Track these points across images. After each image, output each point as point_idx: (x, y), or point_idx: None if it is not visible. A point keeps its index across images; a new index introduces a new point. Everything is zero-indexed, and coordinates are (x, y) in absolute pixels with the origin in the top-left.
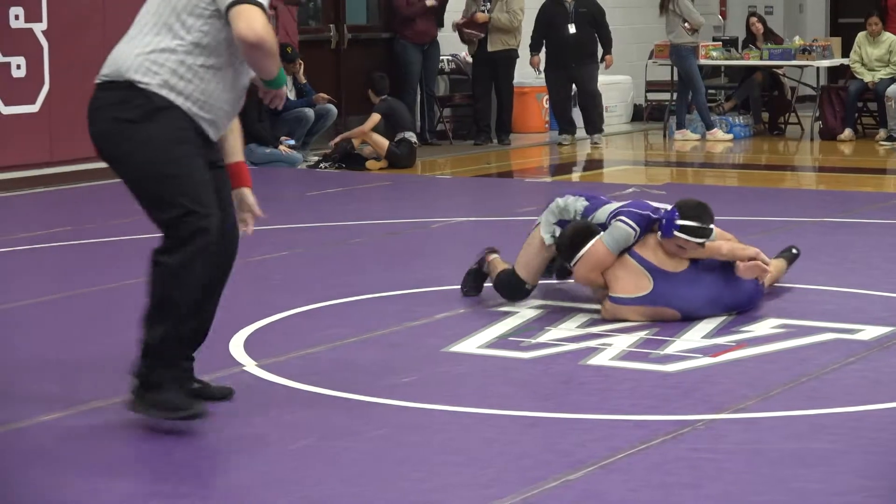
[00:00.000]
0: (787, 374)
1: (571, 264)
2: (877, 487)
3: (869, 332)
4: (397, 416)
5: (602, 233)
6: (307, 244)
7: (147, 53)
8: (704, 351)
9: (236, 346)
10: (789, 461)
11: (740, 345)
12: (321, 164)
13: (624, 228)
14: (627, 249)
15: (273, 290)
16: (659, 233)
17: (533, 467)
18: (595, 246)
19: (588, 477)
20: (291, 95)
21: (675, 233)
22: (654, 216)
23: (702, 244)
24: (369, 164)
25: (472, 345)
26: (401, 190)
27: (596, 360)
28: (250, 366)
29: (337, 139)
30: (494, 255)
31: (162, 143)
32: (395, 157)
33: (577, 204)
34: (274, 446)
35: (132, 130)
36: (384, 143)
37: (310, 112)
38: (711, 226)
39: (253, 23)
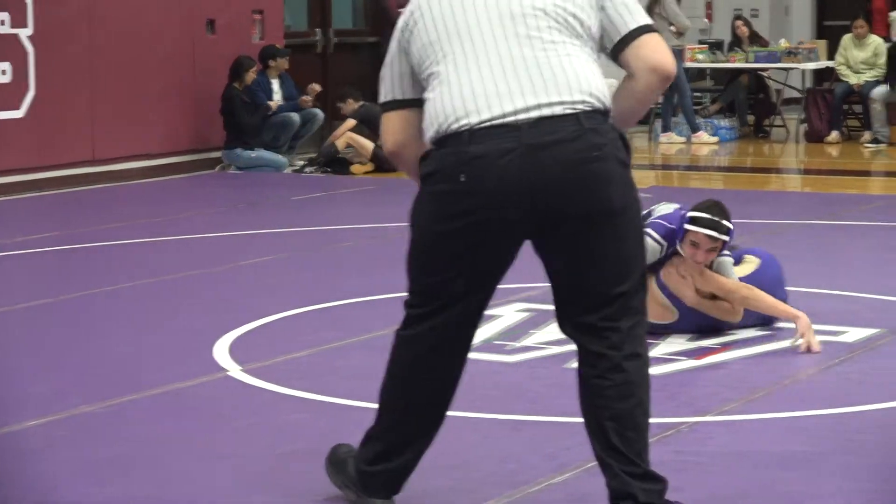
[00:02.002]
0: (771, 377)
1: None
2: (860, 490)
3: (853, 334)
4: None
5: None
6: (292, 248)
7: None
8: (689, 353)
9: (221, 351)
10: (773, 463)
11: (725, 347)
12: (306, 169)
13: (650, 244)
14: (656, 274)
15: (258, 295)
16: (678, 242)
17: (518, 470)
18: None
19: (573, 480)
20: (278, 97)
21: (686, 225)
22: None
23: (713, 238)
24: (354, 168)
25: None
26: (386, 193)
27: None
28: (235, 371)
29: (327, 142)
30: None
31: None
32: (381, 159)
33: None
34: (260, 451)
35: (630, 176)
36: (369, 145)
37: (296, 117)
38: (726, 223)
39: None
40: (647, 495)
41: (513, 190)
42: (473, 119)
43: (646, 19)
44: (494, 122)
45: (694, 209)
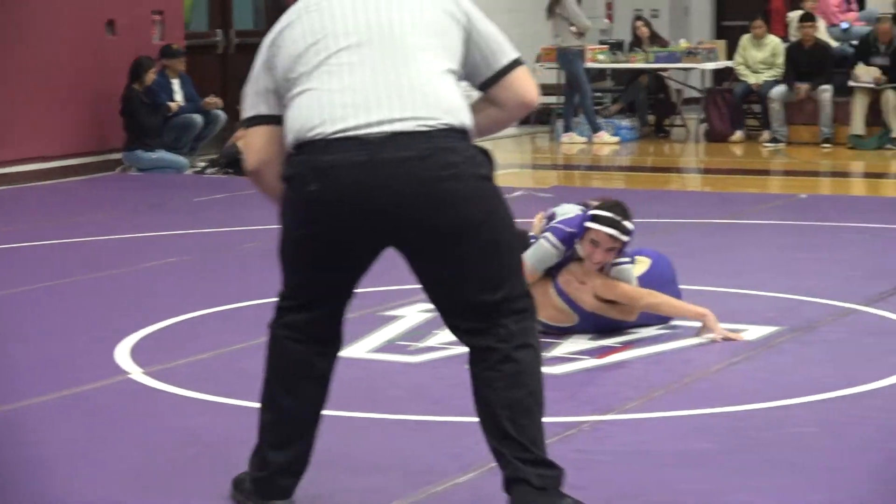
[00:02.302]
0: (671, 375)
1: None
2: (759, 487)
3: (753, 332)
4: None
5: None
6: (195, 250)
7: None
8: (591, 353)
9: (122, 353)
10: (673, 462)
11: (626, 346)
12: (208, 170)
13: (546, 248)
14: (553, 279)
15: (160, 297)
16: (577, 241)
17: (422, 471)
18: None
19: (476, 480)
20: (179, 98)
21: (587, 223)
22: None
23: (614, 237)
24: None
25: (360, 349)
26: None
27: None
28: (137, 374)
29: (228, 143)
30: None
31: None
32: None
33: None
34: (162, 454)
35: (492, 188)
36: None
37: (198, 118)
38: (626, 224)
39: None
40: (542, 480)
41: (363, 204)
42: (328, 128)
43: (514, 52)
44: (348, 134)
45: (596, 207)
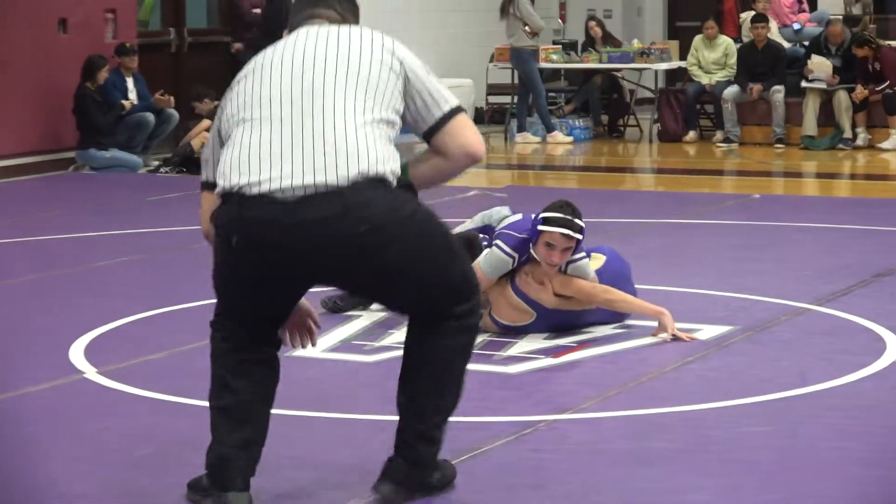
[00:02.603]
0: (627, 374)
1: None
2: (715, 486)
3: (707, 332)
4: None
5: (481, 255)
6: (148, 249)
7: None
8: (546, 352)
9: (76, 353)
10: (629, 461)
11: (581, 345)
12: (162, 169)
13: (499, 256)
14: (510, 280)
15: (113, 297)
16: (531, 246)
17: (378, 471)
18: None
19: None
20: (133, 96)
21: (539, 227)
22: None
23: (567, 236)
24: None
25: (315, 349)
26: None
27: None
28: (91, 373)
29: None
30: None
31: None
32: None
33: (503, 212)
34: (116, 454)
35: (418, 220)
36: None
37: (150, 117)
38: (578, 221)
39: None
40: (421, 454)
41: (284, 261)
42: (244, 185)
43: (454, 101)
44: (263, 192)
45: (546, 210)
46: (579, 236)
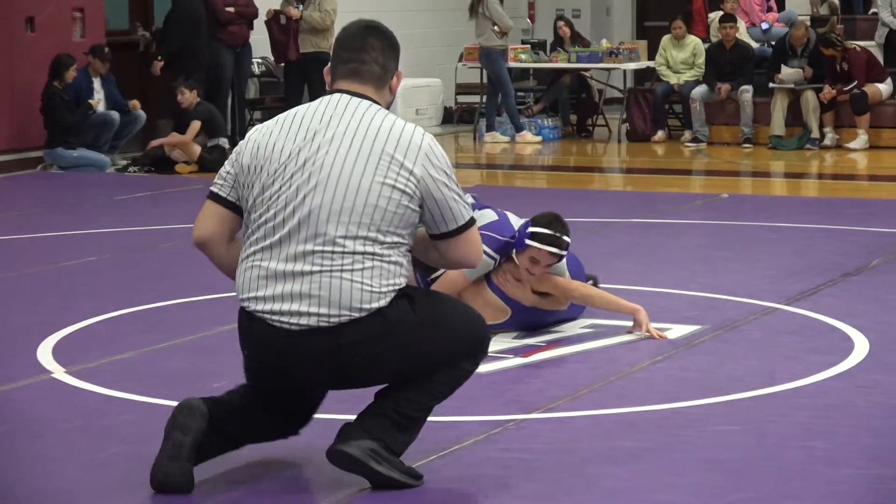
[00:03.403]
0: (596, 374)
1: (428, 279)
2: (685, 484)
3: (676, 331)
4: None
5: None
6: (116, 249)
7: None
8: (516, 351)
9: (44, 352)
10: (599, 460)
11: (551, 345)
12: (130, 168)
13: (483, 260)
14: (487, 278)
15: (81, 296)
16: (514, 251)
17: (341, 472)
18: (451, 273)
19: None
20: (100, 96)
21: (527, 241)
22: (512, 241)
23: (555, 254)
24: (179, 167)
25: None
26: None
27: None
28: (59, 373)
29: (155, 143)
30: None
31: None
32: (207, 162)
33: (483, 214)
34: (85, 454)
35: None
36: (196, 150)
37: (115, 115)
38: (566, 238)
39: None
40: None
41: (286, 377)
42: (252, 305)
43: (467, 215)
44: (271, 319)
45: (535, 223)
46: (564, 253)
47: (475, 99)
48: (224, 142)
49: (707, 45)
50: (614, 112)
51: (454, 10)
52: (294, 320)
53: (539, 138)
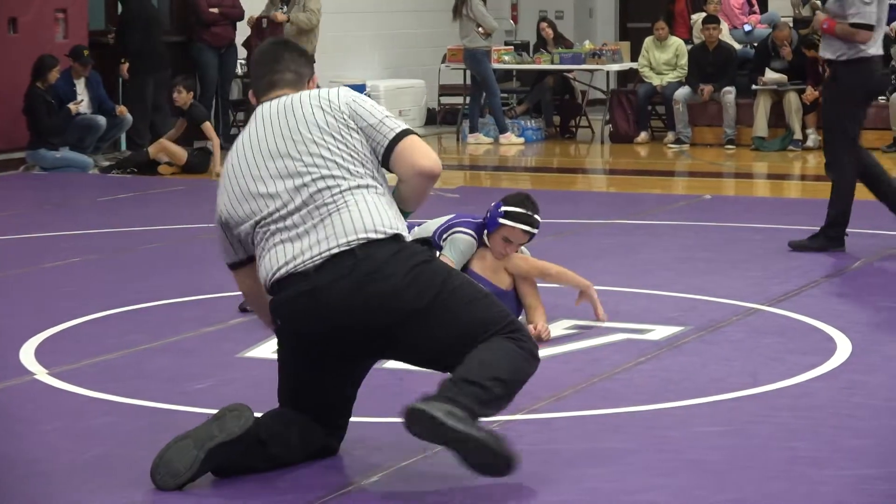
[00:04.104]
0: (579, 375)
1: None
2: (668, 485)
3: (659, 332)
4: (193, 422)
5: (444, 248)
6: (99, 250)
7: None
8: None
9: (27, 354)
10: (583, 461)
11: None
12: (113, 170)
13: (464, 239)
14: (466, 268)
15: (64, 297)
16: (486, 233)
17: (328, 472)
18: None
19: (385, 481)
20: (83, 97)
21: (500, 220)
22: (484, 223)
23: (528, 232)
24: (162, 168)
25: (266, 350)
26: (195, 195)
27: (392, 363)
28: (41, 374)
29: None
30: None
31: None
32: (193, 166)
33: (429, 224)
34: (68, 455)
35: (433, 268)
36: (182, 154)
37: (101, 119)
38: (537, 217)
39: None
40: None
41: (312, 327)
42: (272, 275)
43: (400, 126)
44: (289, 272)
45: (507, 203)
46: (536, 231)
47: (458, 100)
48: (210, 145)
49: (690, 47)
50: (597, 113)
51: (437, 11)
52: (317, 260)
53: (521, 140)
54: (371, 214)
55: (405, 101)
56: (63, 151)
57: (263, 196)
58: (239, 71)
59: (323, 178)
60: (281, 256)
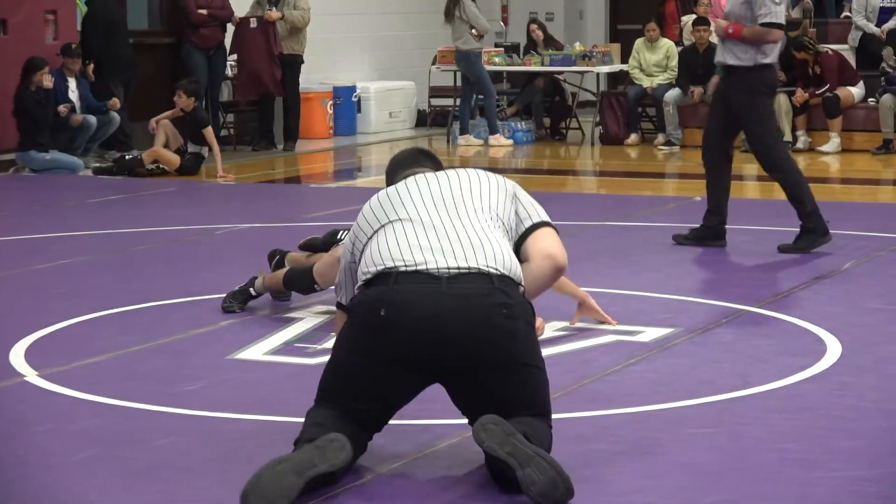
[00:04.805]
0: (570, 377)
1: None
2: (658, 487)
3: (649, 334)
4: (184, 424)
5: None
6: (89, 252)
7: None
8: None
9: (16, 355)
10: (572, 463)
11: None
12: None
13: None
14: None
15: (54, 299)
16: None
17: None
18: None
19: (377, 482)
20: (74, 98)
21: None
22: None
23: None
24: (147, 159)
25: (257, 352)
26: (185, 196)
27: None
28: (31, 376)
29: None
30: (291, 253)
31: None
32: (185, 169)
33: None
34: (57, 457)
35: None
36: (176, 160)
37: (92, 119)
38: None
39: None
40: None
41: (426, 332)
42: (399, 265)
43: (545, 216)
44: (419, 269)
45: None
46: None
47: (449, 102)
48: (204, 149)
49: (680, 49)
50: (587, 115)
51: (428, 13)
52: (452, 270)
53: (510, 142)
54: (510, 256)
55: (395, 103)
56: (53, 153)
57: (412, 205)
58: (229, 72)
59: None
60: (406, 253)
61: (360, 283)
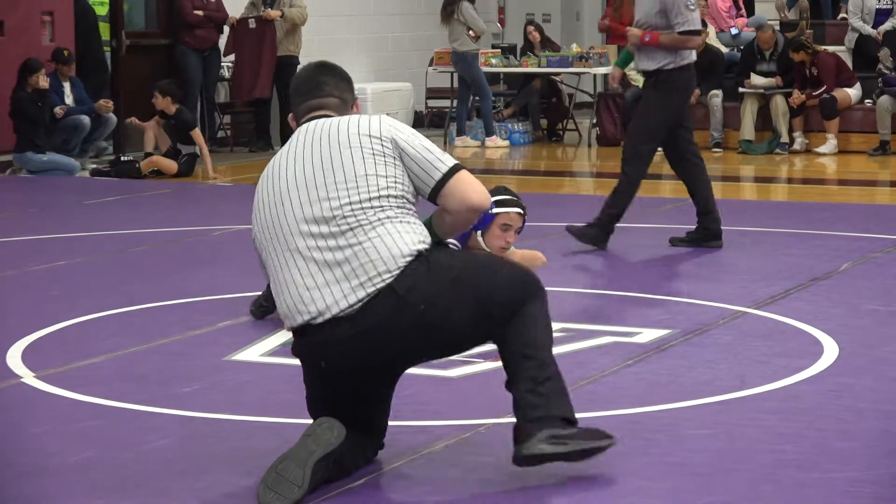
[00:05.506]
0: (567, 378)
1: None
2: (655, 488)
3: (646, 335)
4: (181, 425)
5: None
6: (85, 253)
7: None
8: (486, 356)
9: (13, 357)
10: (568, 463)
11: None
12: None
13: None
14: None
15: (51, 300)
16: (479, 233)
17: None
18: None
19: (372, 483)
20: (69, 101)
21: (494, 210)
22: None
23: (521, 214)
24: (145, 168)
25: (254, 353)
26: (181, 198)
27: None
28: (28, 377)
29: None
30: None
31: None
32: (180, 172)
33: None
34: (55, 459)
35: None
36: (173, 166)
37: (86, 120)
38: (519, 202)
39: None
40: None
41: (368, 360)
42: (307, 317)
43: (450, 161)
44: (325, 318)
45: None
46: (526, 214)
47: (445, 103)
48: (198, 150)
49: None
50: (584, 116)
51: (425, 14)
52: (356, 306)
53: (506, 143)
54: (403, 238)
55: (392, 104)
56: (50, 154)
57: (285, 226)
58: (226, 74)
59: (352, 208)
60: (308, 302)
61: (286, 326)
